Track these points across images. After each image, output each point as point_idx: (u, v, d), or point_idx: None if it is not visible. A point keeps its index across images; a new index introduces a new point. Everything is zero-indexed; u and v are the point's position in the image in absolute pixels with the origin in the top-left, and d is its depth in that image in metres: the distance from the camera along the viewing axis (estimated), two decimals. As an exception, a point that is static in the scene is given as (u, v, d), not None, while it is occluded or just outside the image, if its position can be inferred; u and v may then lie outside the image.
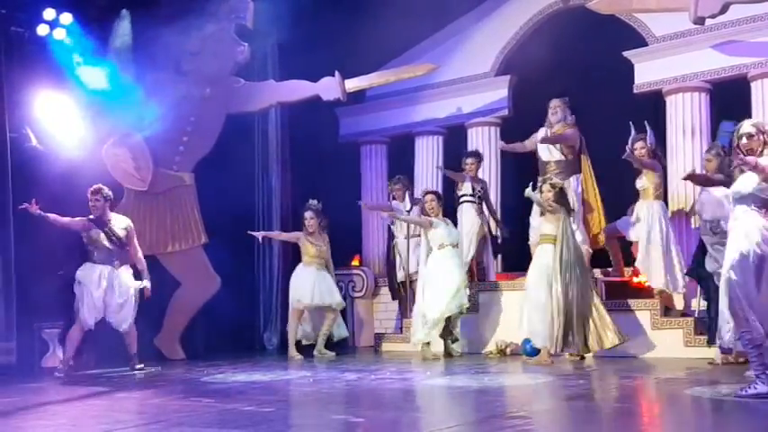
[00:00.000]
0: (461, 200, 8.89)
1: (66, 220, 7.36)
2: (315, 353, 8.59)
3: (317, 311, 8.79)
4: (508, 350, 8.06)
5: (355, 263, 10.74)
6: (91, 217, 7.35)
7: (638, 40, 9.26)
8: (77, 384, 6.57)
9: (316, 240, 8.73)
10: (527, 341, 7.66)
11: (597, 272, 8.35)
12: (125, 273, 7.46)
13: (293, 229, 9.30)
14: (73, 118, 8.31)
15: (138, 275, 7.57)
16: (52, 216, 7.23)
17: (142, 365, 7.46)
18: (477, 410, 4.94)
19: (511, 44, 10.22)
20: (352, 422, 4.56)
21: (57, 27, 8.26)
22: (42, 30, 8.22)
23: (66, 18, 8.28)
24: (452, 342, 8.10)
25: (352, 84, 9.47)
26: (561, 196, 7.46)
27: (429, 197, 8.15)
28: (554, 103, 8.49)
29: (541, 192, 7.46)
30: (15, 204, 7.47)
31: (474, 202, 8.84)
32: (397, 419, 4.58)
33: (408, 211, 9.03)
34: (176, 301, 9.02)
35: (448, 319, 7.95)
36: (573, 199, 8.00)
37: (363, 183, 11.07)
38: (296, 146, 10.20)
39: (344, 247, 10.01)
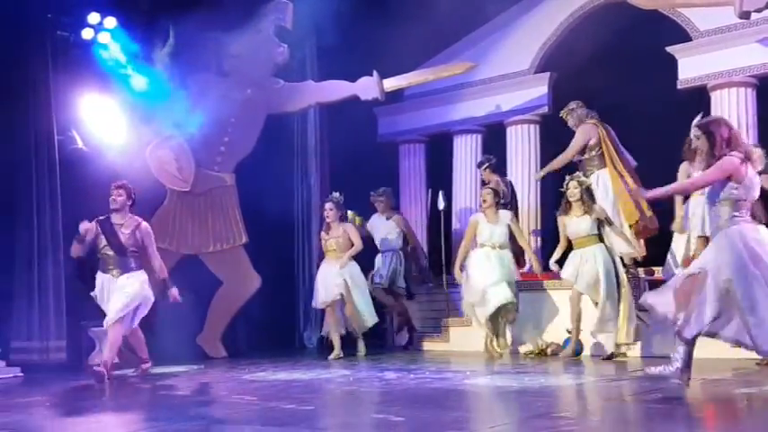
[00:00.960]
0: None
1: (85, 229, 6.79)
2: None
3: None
4: (549, 350, 8.01)
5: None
6: (101, 218, 6.80)
7: (682, 35, 9.11)
8: (120, 384, 6.67)
9: (333, 233, 8.49)
10: (568, 341, 7.63)
11: (640, 270, 8.23)
12: (126, 281, 6.72)
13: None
14: (117, 120, 8.46)
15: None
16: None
17: (145, 366, 7.09)
18: (519, 410, 4.91)
19: (551, 40, 10.14)
20: (393, 421, 4.57)
21: (101, 31, 8.42)
22: (87, 33, 8.39)
23: (111, 22, 8.44)
24: (499, 342, 8.08)
25: (391, 83, 9.48)
26: (588, 194, 7.45)
27: (485, 191, 8.20)
28: (563, 114, 8.58)
29: (567, 189, 7.44)
30: (64, 205, 7.63)
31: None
32: (438, 419, 4.58)
33: (441, 210, 9.08)
34: (218, 301, 9.14)
35: (496, 318, 7.99)
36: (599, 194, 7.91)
37: (402, 182, 11.07)
38: (334, 146, 10.25)
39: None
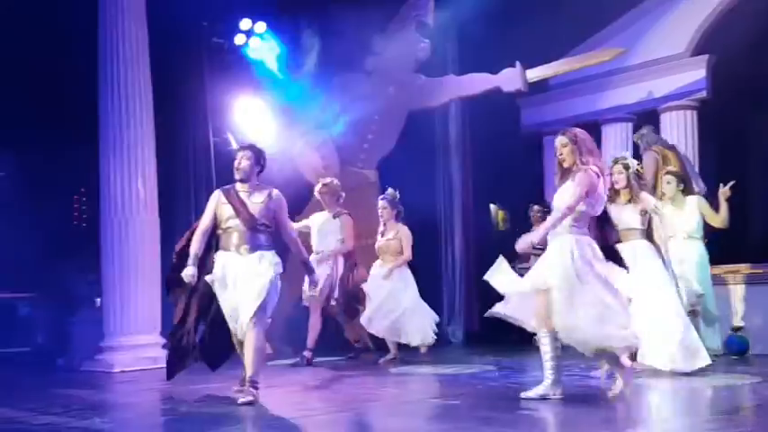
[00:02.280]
0: None
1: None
2: None
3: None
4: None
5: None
6: (225, 186, 5.62)
7: None
8: (275, 373, 6.95)
9: (387, 233, 7.73)
10: (732, 337, 7.28)
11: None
12: (257, 264, 5.35)
13: (474, 223, 9.30)
14: (267, 121, 8.82)
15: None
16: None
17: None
18: (670, 409, 4.75)
19: (708, 21, 9.59)
20: (536, 417, 4.54)
21: (252, 36, 8.81)
22: (239, 39, 8.80)
23: (261, 27, 8.81)
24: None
25: (535, 73, 9.33)
26: (636, 179, 6.37)
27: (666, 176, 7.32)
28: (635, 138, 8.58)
29: (612, 175, 6.53)
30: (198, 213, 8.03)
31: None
32: (595, 415, 4.50)
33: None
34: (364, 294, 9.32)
35: None
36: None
37: (547, 175, 10.88)
38: (476, 139, 10.22)
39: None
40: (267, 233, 5.47)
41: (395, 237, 7.71)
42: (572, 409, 4.74)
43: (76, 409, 5.24)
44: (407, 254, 7.67)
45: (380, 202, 7.77)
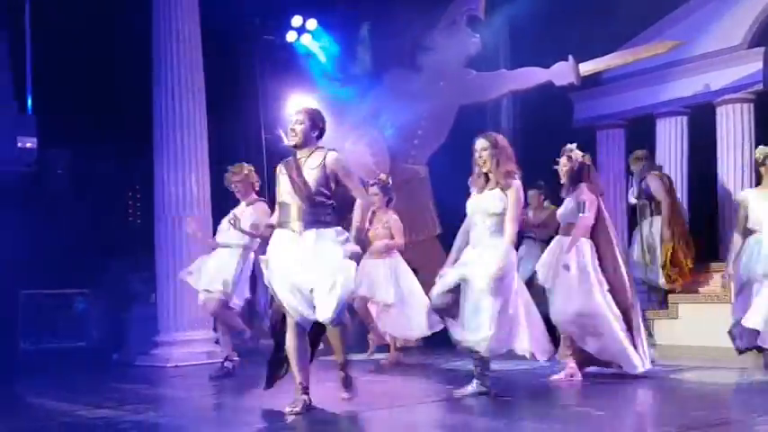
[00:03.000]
0: None
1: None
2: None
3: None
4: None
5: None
6: (288, 158, 4.92)
7: None
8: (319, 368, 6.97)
9: (375, 222, 7.05)
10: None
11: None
12: (319, 244, 4.66)
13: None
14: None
15: None
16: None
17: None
18: (720, 409, 4.64)
19: (766, 13, 9.35)
20: (594, 415, 4.48)
21: (303, 33, 8.86)
22: (290, 36, 8.86)
23: (312, 24, 8.85)
24: None
25: (588, 67, 9.20)
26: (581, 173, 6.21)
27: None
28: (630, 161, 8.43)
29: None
30: (271, 201, 8.09)
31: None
32: (641, 413, 4.42)
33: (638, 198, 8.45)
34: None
35: None
36: None
37: (600, 169, 10.71)
38: (528, 134, 10.11)
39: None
40: (325, 205, 4.71)
41: (384, 226, 7.13)
42: (626, 407, 4.65)
43: (131, 403, 5.33)
44: (398, 241, 7.15)
45: (371, 189, 7.00)
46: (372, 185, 7.03)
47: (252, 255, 6.65)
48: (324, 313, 4.50)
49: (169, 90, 7.92)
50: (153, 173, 8.00)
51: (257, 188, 6.92)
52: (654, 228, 8.04)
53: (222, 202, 8.41)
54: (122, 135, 6.97)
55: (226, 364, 6.59)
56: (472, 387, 5.02)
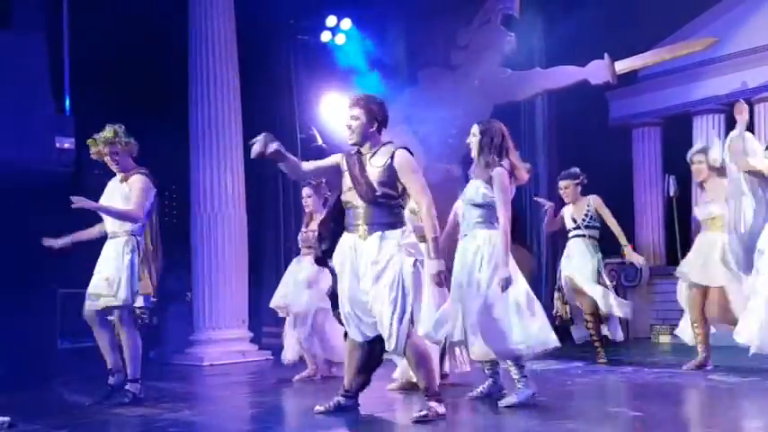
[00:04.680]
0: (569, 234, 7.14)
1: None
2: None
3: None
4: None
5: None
6: (352, 151, 4.60)
7: None
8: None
9: (311, 224, 6.39)
10: None
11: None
12: (378, 246, 4.42)
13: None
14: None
15: None
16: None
17: None
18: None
19: (804, 10, 9.23)
20: (631, 416, 4.43)
21: (338, 33, 8.88)
22: (325, 36, 8.89)
23: (346, 24, 8.86)
24: None
25: (623, 65, 9.10)
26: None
27: None
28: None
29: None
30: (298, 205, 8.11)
31: (583, 236, 6.96)
32: (679, 416, 4.36)
33: (673, 197, 8.13)
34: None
35: None
36: None
37: (636, 168, 10.61)
38: (563, 133, 10.04)
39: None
40: (390, 206, 4.41)
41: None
42: (662, 408, 4.59)
43: (168, 401, 5.37)
44: None
45: (304, 190, 6.45)
46: (306, 187, 6.42)
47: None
48: (388, 344, 4.33)
49: (205, 90, 8.00)
50: (189, 172, 8.07)
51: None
52: None
53: (258, 199, 8.48)
54: (159, 135, 6.97)
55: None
56: (521, 389, 4.79)
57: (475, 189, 5.03)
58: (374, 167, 4.41)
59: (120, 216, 5.23)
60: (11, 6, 7.51)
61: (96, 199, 5.32)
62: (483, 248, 4.87)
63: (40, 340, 7.78)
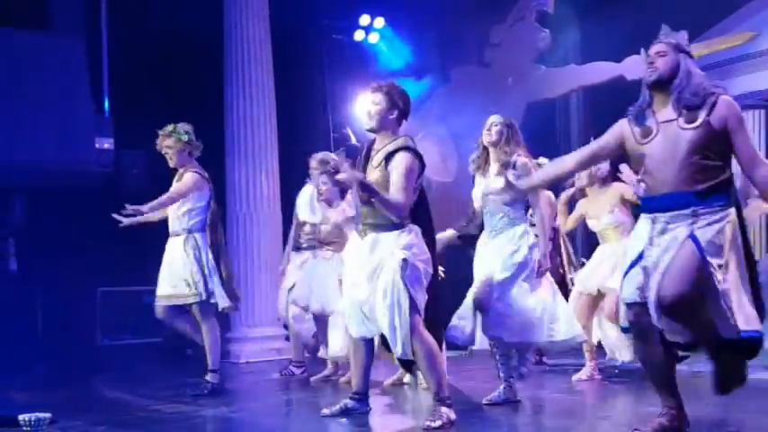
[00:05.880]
0: None
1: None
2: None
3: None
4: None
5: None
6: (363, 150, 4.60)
7: None
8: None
9: (333, 214, 5.94)
10: None
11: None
12: (371, 248, 4.36)
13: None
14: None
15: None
16: None
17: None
18: None
19: None
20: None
21: (371, 32, 8.90)
22: (359, 35, 8.91)
23: (379, 22, 8.88)
24: None
25: (660, 60, 8.98)
26: None
27: None
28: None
29: None
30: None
31: None
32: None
33: None
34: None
35: None
36: None
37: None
38: (599, 130, 9.89)
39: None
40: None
41: (330, 219, 6.06)
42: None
43: (205, 398, 5.42)
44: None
45: (321, 177, 5.97)
46: (322, 174, 5.94)
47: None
48: (395, 351, 4.21)
49: (240, 90, 8.06)
50: (225, 172, 8.14)
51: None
52: None
53: (292, 198, 8.51)
54: (196, 134, 7.07)
55: None
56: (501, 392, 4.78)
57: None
58: (373, 168, 4.30)
59: (163, 204, 5.50)
60: (50, 9, 7.65)
61: (136, 196, 5.45)
62: (513, 241, 4.81)
63: (81, 338, 7.91)
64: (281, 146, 8.19)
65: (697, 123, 3.56)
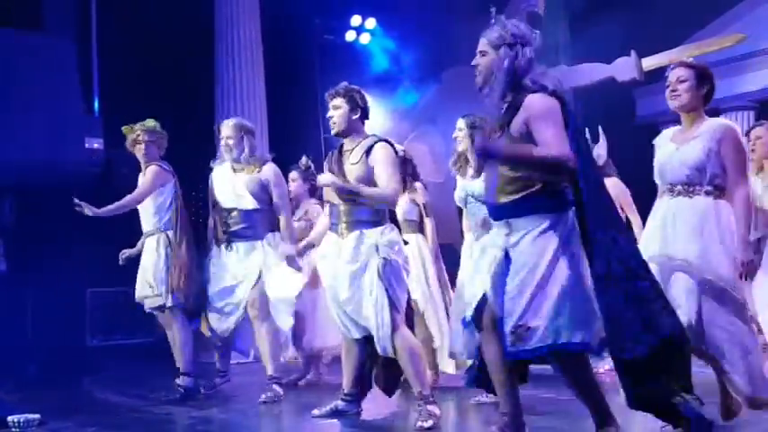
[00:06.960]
0: None
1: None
2: None
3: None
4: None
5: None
6: (333, 152, 4.64)
7: None
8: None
9: (300, 210, 5.94)
10: None
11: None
12: (354, 245, 4.34)
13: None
14: (380, 116, 8.89)
15: None
16: None
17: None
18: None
19: (835, 4, 9.11)
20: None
21: (363, 32, 8.90)
22: (350, 36, 8.91)
23: (371, 23, 8.89)
24: None
25: (651, 62, 9.03)
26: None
27: None
28: None
29: None
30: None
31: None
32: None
33: None
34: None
35: None
36: None
37: (665, 166, 10.51)
38: (589, 130, 9.97)
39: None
40: (370, 204, 4.22)
41: (302, 217, 5.96)
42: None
43: (197, 399, 5.40)
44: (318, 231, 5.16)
45: (291, 174, 6.00)
46: (292, 170, 5.99)
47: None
48: (379, 349, 4.25)
49: (230, 90, 8.06)
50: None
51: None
52: None
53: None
54: (186, 135, 7.06)
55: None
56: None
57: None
58: (351, 164, 4.29)
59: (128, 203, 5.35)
60: (41, 9, 7.61)
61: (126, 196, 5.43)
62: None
63: (70, 338, 7.87)
64: (271, 146, 8.17)
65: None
